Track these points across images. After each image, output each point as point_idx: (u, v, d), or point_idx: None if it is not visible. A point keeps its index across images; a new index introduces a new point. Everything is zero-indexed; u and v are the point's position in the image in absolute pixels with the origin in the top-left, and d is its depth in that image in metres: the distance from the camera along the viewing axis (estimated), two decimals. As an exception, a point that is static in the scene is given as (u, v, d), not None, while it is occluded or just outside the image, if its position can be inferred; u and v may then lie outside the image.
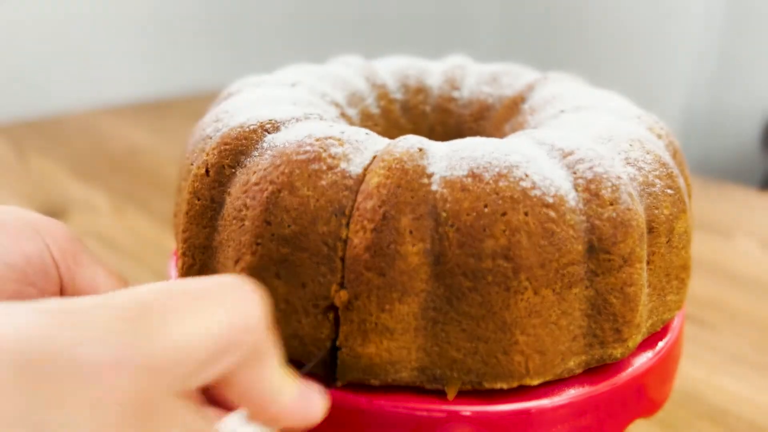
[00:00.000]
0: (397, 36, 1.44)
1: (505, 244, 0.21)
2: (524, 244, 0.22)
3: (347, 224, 0.22)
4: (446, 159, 0.24)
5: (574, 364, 0.24)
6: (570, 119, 0.29)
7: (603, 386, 0.25)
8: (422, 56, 0.41)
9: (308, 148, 0.24)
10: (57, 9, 0.97)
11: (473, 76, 0.38)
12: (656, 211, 0.25)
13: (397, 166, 0.23)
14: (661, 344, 0.27)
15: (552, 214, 0.22)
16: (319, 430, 0.24)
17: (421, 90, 0.37)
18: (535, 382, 0.23)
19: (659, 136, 0.29)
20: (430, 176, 0.23)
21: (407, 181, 0.22)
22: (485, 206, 0.22)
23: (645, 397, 0.27)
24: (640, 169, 0.25)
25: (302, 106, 0.29)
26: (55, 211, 0.58)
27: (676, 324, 0.29)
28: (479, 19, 1.63)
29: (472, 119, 0.37)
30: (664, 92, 1.41)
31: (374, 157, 0.24)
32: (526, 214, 0.22)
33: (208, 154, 0.26)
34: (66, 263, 0.24)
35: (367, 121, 0.34)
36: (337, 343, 0.23)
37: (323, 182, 0.23)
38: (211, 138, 0.28)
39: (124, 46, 1.05)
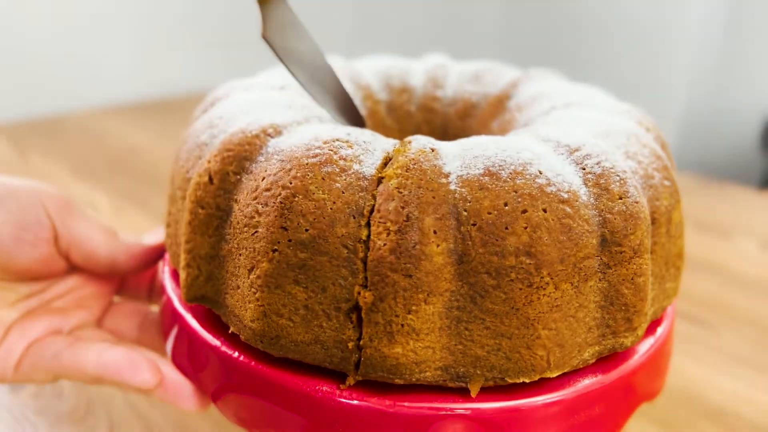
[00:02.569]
0: (395, 36, 1.44)
1: (526, 241, 0.22)
2: (545, 241, 0.22)
3: (366, 225, 0.22)
4: (459, 158, 0.24)
5: (588, 354, 0.24)
6: (562, 116, 0.30)
7: (613, 374, 0.25)
8: (423, 56, 0.40)
9: (317, 151, 0.24)
10: (57, 9, 0.97)
11: (455, 74, 0.38)
12: (657, 203, 0.26)
13: (415, 166, 0.23)
14: (660, 330, 0.28)
15: (568, 209, 0.23)
16: (342, 430, 0.23)
17: (405, 90, 0.37)
18: (555, 374, 0.23)
19: (648, 129, 0.30)
20: (447, 175, 0.23)
21: (427, 181, 0.22)
22: (505, 204, 0.22)
23: (649, 382, 0.27)
24: (639, 162, 0.26)
25: (298, 110, 0.28)
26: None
27: (669, 310, 0.30)
28: (479, 19, 1.63)
29: (458, 117, 0.37)
30: (664, 92, 1.41)
31: (385, 158, 0.24)
32: (544, 210, 0.22)
33: (209, 162, 0.26)
34: (60, 216, 0.29)
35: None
36: (361, 343, 0.22)
37: (338, 184, 0.23)
38: (207, 145, 0.27)
39: (124, 46, 1.05)
